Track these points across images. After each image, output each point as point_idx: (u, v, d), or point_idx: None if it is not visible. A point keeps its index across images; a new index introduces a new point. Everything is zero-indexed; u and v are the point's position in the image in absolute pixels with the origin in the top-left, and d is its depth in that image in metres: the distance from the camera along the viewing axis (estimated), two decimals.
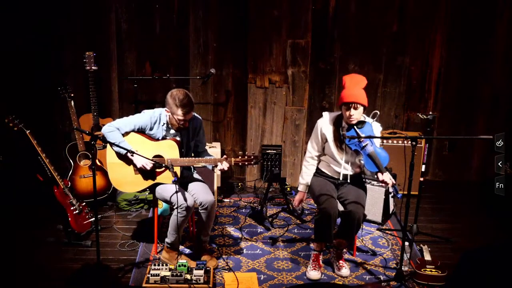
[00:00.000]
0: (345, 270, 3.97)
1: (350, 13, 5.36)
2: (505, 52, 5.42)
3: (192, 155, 4.05)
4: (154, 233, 4.15)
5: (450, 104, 5.60)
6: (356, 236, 4.22)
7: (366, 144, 3.72)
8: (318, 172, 4.05)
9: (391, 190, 3.77)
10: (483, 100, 5.57)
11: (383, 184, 4.65)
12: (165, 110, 3.84)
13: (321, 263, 4.02)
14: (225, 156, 3.89)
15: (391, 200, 4.79)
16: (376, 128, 3.89)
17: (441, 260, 3.97)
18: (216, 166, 3.84)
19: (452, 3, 5.33)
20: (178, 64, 5.45)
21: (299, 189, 4.10)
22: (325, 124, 3.92)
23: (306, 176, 4.04)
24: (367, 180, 4.66)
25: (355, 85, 3.75)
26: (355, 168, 3.95)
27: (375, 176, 3.81)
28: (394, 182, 3.75)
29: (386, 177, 3.71)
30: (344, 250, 4.14)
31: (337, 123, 3.88)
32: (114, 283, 2.33)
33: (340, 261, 4.00)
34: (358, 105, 3.71)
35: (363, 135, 3.74)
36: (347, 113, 3.73)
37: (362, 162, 3.81)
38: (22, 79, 5.25)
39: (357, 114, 3.73)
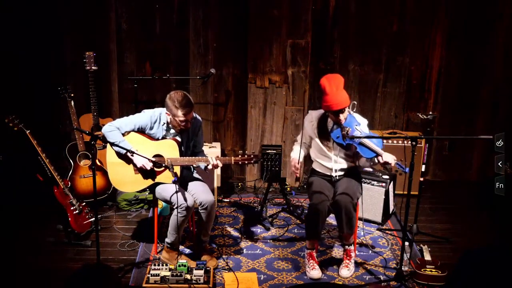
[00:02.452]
0: (345, 271, 3.95)
1: (350, 13, 5.36)
2: (505, 52, 5.42)
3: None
4: (154, 233, 4.15)
5: (450, 104, 5.59)
6: (356, 236, 4.21)
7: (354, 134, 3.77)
8: (314, 172, 4.06)
9: (397, 168, 3.75)
10: (483, 100, 5.57)
11: (383, 184, 4.67)
12: (166, 113, 3.83)
13: (316, 260, 4.01)
14: (217, 155, 3.90)
15: (391, 200, 4.79)
16: (358, 117, 3.92)
17: (441, 260, 3.97)
18: (208, 165, 3.85)
19: (452, 3, 5.33)
20: (178, 64, 5.45)
21: (292, 157, 4.08)
22: (309, 123, 3.97)
23: (294, 152, 4.09)
24: (367, 180, 4.67)
25: (337, 89, 3.75)
26: (349, 162, 3.97)
27: (376, 161, 3.79)
28: (396, 159, 3.74)
29: (388, 157, 3.70)
30: (352, 248, 4.09)
31: (321, 122, 3.93)
32: (114, 283, 2.32)
33: (346, 260, 4.00)
34: (345, 109, 3.78)
35: (348, 128, 3.75)
36: (337, 118, 3.80)
37: (358, 151, 3.80)
38: (22, 79, 5.25)
39: (344, 115, 3.80)
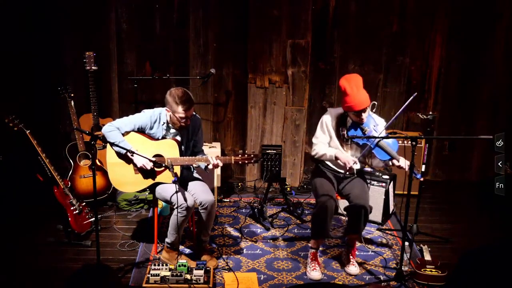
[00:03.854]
0: (354, 268, 3.97)
1: (350, 13, 5.36)
2: (505, 52, 5.42)
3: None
4: (154, 233, 4.15)
5: (450, 104, 5.60)
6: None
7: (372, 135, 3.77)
8: (324, 166, 4.05)
9: (409, 172, 3.73)
10: (483, 100, 5.57)
11: (383, 184, 4.67)
12: (166, 109, 3.84)
13: (319, 261, 4.02)
14: (217, 155, 3.89)
15: (391, 200, 4.79)
16: (377, 118, 3.94)
17: (441, 260, 3.97)
18: (208, 165, 3.85)
19: (452, 3, 5.33)
20: (178, 64, 5.45)
21: (337, 155, 3.79)
22: (329, 121, 3.92)
23: (328, 148, 3.89)
24: (367, 180, 4.67)
25: (358, 89, 3.75)
26: (362, 163, 3.97)
27: (391, 163, 3.81)
28: (409, 164, 3.74)
29: (402, 162, 3.74)
30: (356, 246, 4.12)
31: (340, 121, 3.90)
32: (114, 283, 2.33)
33: (351, 259, 4.00)
34: (367, 108, 3.78)
35: (366, 128, 3.78)
36: (359, 118, 3.78)
37: (374, 152, 3.80)
38: (22, 79, 5.25)
39: (365, 115, 3.79)
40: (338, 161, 3.83)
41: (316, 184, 3.98)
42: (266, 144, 5.45)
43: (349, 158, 3.79)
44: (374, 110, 3.93)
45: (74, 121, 4.77)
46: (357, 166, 3.87)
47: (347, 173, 3.85)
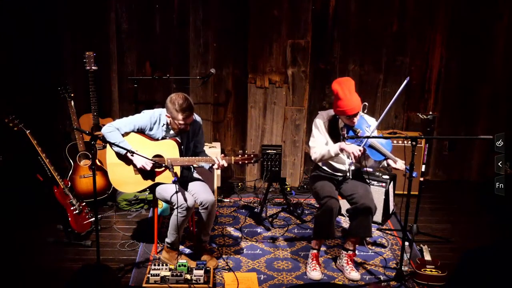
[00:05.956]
0: (355, 274, 3.92)
1: (350, 13, 5.36)
2: (505, 52, 5.42)
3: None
4: (154, 233, 4.15)
5: (450, 104, 5.60)
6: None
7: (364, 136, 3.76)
8: (321, 171, 4.05)
9: (405, 172, 3.72)
10: (483, 100, 5.57)
11: (383, 184, 4.67)
12: (166, 115, 3.83)
13: (320, 262, 4.02)
14: (222, 154, 3.88)
15: (391, 200, 4.79)
16: (369, 119, 3.94)
17: (441, 260, 3.97)
18: (213, 165, 3.84)
19: (452, 3, 5.33)
20: (178, 64, 5.45)
21: (342, 146, 3.73)
22: (322, 123, 3.93)
23: (328, 146, 3.84)
24: (366, 180, 4.67)
25: (350, 94, 3.74)
26: (357, 163, 3.97)
27: (386, 164, 3.81)
28: (404, 163, 3.75)
29: (399, 164, 3.73)
30: (355, 249, 4.08)
31: (332, 123, 3.91)
32: (114, 283, 2.33)
33: (351, 265, 3.96)
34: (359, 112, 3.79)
35: (359, 130, 3.78)
36: (350, 121, 3.78)
37: (368, 153, 3.80)
38: (22, 79, 5.25)
39: (357, 118, 3.80)
40: (343, 152, 3.78)
41: (317, 188, 3.96)
42: (266, 144, 5.45)
43: (355, 146, 3.70)
44: (365, 111, 3.92)
45: (74, 121, 4.77)
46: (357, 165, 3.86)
47: (354, 162, 3.80)
